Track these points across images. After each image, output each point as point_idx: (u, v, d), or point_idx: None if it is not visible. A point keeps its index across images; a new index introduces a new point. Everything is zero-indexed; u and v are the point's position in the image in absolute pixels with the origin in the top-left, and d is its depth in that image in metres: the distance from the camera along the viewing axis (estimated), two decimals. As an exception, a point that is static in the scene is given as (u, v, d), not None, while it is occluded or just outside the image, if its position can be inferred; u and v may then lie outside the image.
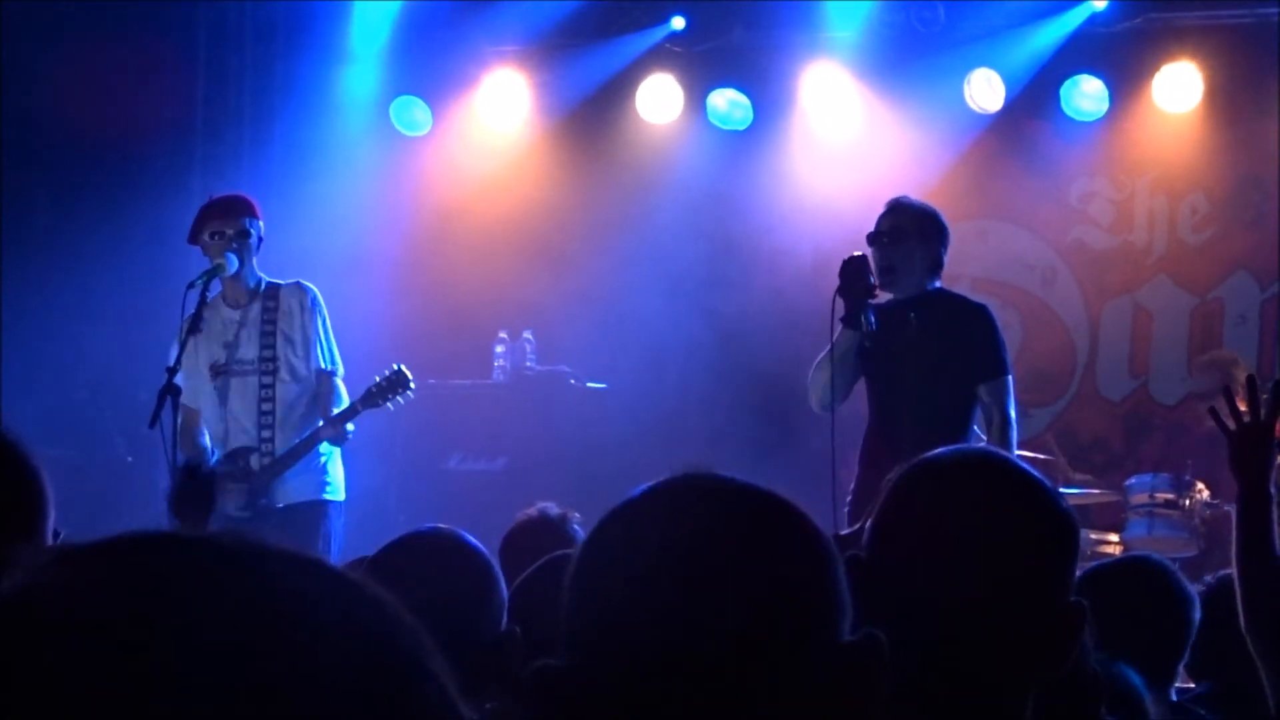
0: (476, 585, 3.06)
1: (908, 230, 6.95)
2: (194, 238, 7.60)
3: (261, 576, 0.88)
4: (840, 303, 6.83)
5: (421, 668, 0.89)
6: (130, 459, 10.23)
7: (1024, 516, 2.09)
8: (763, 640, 1.56)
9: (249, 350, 7.62)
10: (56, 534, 2.43)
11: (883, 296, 6.94)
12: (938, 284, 7.06)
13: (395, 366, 7.61)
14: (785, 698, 1.56)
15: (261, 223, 7.65)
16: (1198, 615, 4.11)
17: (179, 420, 7.23)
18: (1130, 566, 4.26)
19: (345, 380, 7.76)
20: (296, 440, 7.58)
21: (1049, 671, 2.08)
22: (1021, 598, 2.05)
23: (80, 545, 0.87)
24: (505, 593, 3.13)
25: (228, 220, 7.54)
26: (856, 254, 6.82)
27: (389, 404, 7.50)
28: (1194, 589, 4.24)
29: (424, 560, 3.06)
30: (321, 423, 7.56)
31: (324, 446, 7.63)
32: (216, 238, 7.49)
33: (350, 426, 7.51)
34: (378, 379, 7.57)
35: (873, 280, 6.77)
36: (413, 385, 7.57)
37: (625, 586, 1.59)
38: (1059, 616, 2.08)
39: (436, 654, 0.91)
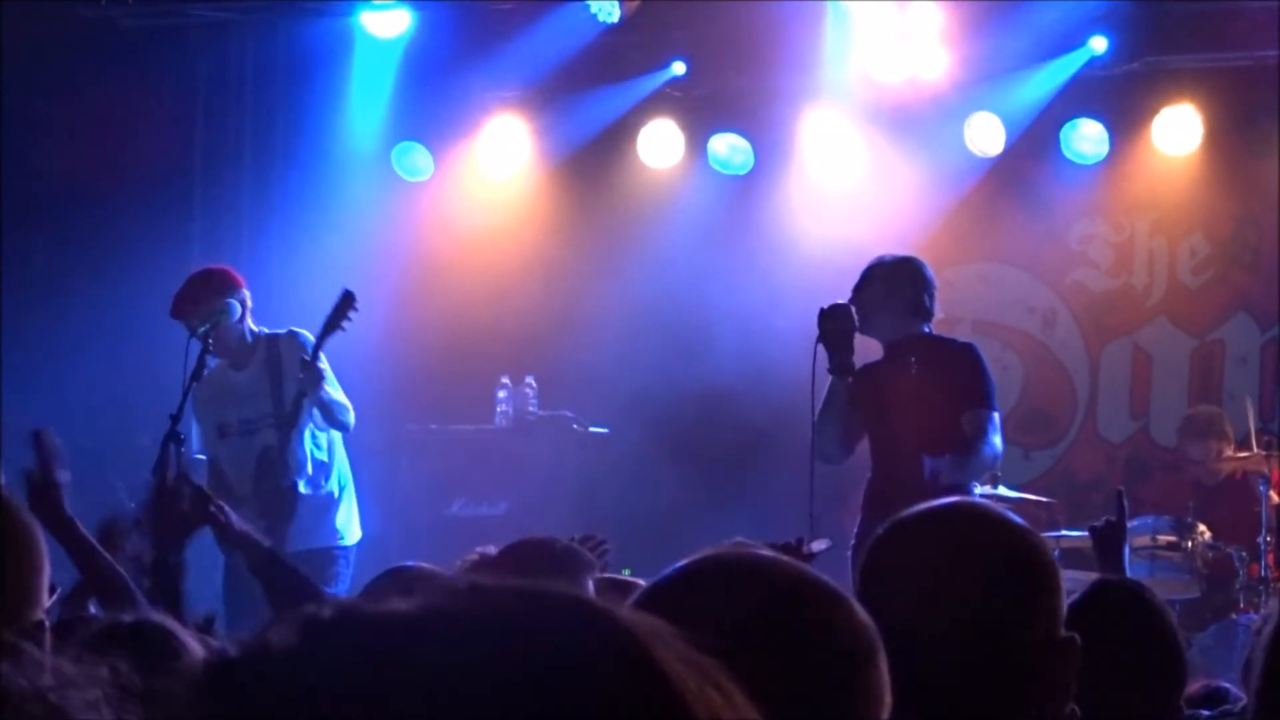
0: None
1: (873, 276, 7.18)
2: (178, 316, 7.72)
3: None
4: (823, 354, 7.02)
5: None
6: (132, 505, 10.20)
7: (986, 559, 2.13)
8: None
9: (259, 405, 7.86)
10: (53, 589, 2.44)
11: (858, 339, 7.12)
12: (926, 329, 7.18)
13: (342, 290, 7.79)
14: None
15: (245, 291, 7.80)
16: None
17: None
18: (1099, 595, 4.21)
19: (350, 423, 7.95)
20: (311, 490, 7.82)
21: (1047, 708, 2.09)
22: (997, 636, 2.07)
23: (477, 581, 1.04)
24: None
25: (198, 309, 7.68)
26: (836, 303, 6.99)
27: (342, 326, 7.70)
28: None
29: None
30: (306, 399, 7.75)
31: (335, 488, 7.89)
32: (198, 326, 7.61)
33: (323, 364, 7.70)
34: (329, 311, 7.75)
35: (852, 324, 6.96)
36: (356, 303, 7.73)
37: None
38: (1046, 652, 2.09)
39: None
